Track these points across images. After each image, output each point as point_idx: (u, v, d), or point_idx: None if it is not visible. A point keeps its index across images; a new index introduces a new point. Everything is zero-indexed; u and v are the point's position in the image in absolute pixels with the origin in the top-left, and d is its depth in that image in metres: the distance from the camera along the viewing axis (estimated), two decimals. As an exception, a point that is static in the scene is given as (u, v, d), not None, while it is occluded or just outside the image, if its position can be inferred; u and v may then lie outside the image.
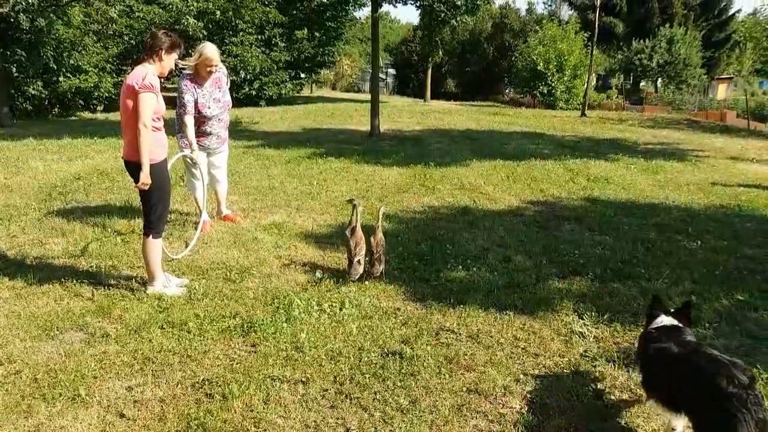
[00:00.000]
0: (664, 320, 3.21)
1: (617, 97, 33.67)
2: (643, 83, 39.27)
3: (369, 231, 5.29)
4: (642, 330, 3.41)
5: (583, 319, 4.37)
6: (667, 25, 35.16)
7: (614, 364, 3.72)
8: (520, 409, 3.28)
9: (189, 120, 6.12)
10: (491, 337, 4.09)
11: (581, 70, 29.62)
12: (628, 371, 3.64)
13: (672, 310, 3.31)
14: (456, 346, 3.96)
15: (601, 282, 5.14)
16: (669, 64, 34.18)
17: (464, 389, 3.45)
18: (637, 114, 26.66)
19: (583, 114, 24.10)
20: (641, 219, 7.28)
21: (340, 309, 4.48)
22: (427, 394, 3.40)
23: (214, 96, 6.29)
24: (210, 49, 6.05)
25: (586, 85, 26.60)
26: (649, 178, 10.08)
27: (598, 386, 3.49)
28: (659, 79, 36.79)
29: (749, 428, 2.38)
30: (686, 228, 6.82)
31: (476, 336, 4.09)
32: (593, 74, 30.00)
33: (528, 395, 3.40)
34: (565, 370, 3.66)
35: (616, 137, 16.23)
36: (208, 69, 6.09)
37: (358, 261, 5.06)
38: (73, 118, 19.95)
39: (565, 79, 29.83)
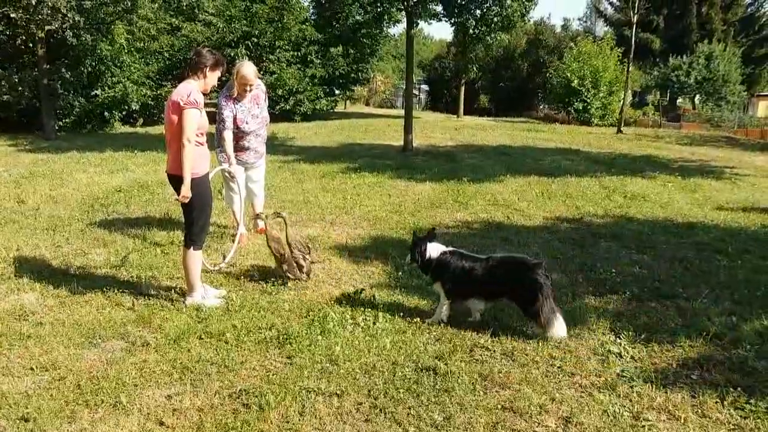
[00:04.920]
0: (438, 246, 4.62)
1: (654, 113, 33.19)
2: (680, 100, 38.64)
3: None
4: (420, 261, 4.60)
5: (620, 338, 4.32)
6: (706, 41, 34.61)
7: (652, 384, 3.65)
8: (556, 428, 3.26)
9: (228, 135, 6.26)
10: (526, 354, 4.07)
11: (617, 87, 29.31)
12: (666, 391, 3.58)
13: (425, 236, 4.69)
14: (490, 363, 3.95)
15: (638, 301, 5.07)
16: (707, 80, 33.60)
17: (499, 407, 3.43)
18: (675, 131, 26.25)
19: (619, 131, 23.81)
20: (679, 237, 7.16)
21: (374, 323, 4.50)
22: (462, 410, 3.39)
23: (252, 112, 6.42)
24: (246, 69, 6.16)
25: (622, 101, 26.29)
26: (687, 196, 9.91)
27: (636, 407, 3.44)
28: (697, 96, 36.15)
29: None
30: (726, 247, 6.68)
31: (511, 353, 4.08)
32: (629, 91, 29.63)
33: (564, 414, 3.37)
34: (601, 390, 3.62)
35: (653, 154, 16.00)
36: (244, 87, 6.21)
37: (303, 260, 5.37)
38: (114, 131, 20.50)
39: (601, 95, 29.55)
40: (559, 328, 4.21)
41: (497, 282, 4.37)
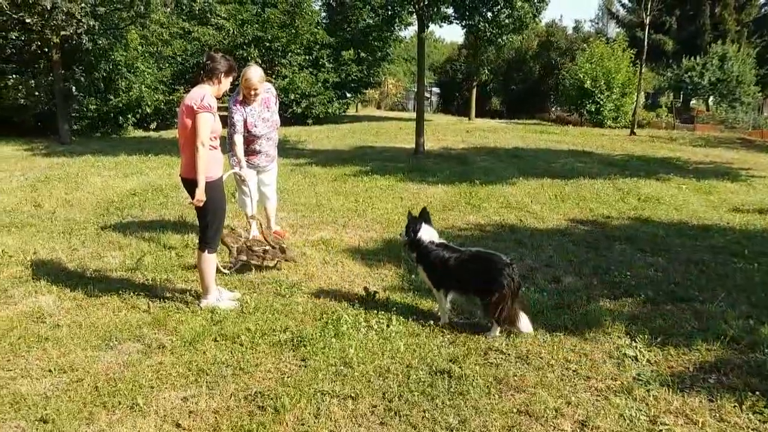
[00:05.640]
0: (432, 232, 4.73)
1: (667, 115, 32.95)
2: (693, 101, 38.32)
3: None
4: (410, 238, 4.73)
5: (635, 341, 4.29)
6: (719, 42, 34.31)
7: (668, 388, 3.63)
8: None
9: (238, 139, 6.30)
10: (541, 358, 4.05)
11: (630, 88, 29.11)
12: (683, 395, 3.56)
13: (418, 216, 4.79)
14: (505, 366, 3.94)
15: (654, 304, 5.04)
16: (721, 81, 33.27)
17: (514, 410, 3.42)
18: (688, 133, 26.04)
19: (632, 132, 23.67)
20: (694, 240, 7.11)
21: (387, 326, 4.51)
22: (477, 414, 3.39)
23: (262, 115, 6.44)
24: (249, 73, 6.13)
25: (635, 103, 26.14)
26: (701, 198, 9.83)
27: (652, 411, 3.41)
28: (711, 97, 35.83)
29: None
30: (742, 250, 6.62)
31: (526, 357, 4.06)
32: (642, 92, 29.38)
33: (579, 418, 3.35)
34: (617, 394, 3.60)
35: (667, 156, 15.89)
36: (249, 91, 6.22)
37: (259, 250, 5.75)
38: (128, 135, 20.67)
39: (614, 97, 29.36)
40: (524, 324, 4.34)
41: (465, 276, 4.46)
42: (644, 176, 11.81)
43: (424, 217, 4.81)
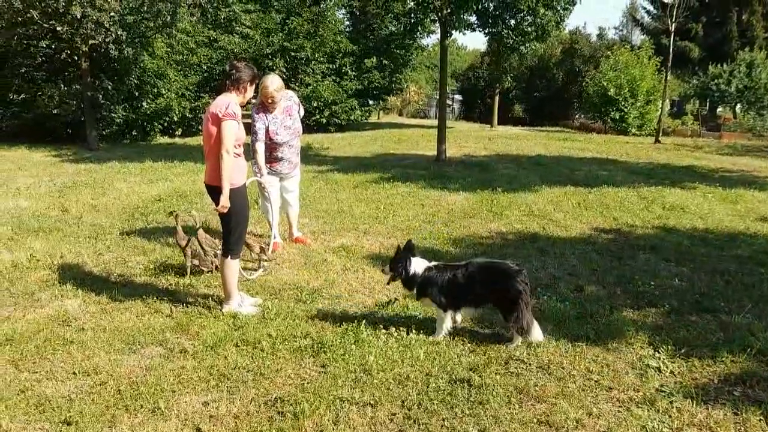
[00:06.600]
0: (422, 262, 4.59)
1: (693, 123, 32.50)
2: (720, 109, 37.75)
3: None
4: (403, 276, 4.57)
5: (658, 352, 4.23)
6: (747, 49, 33.79)
7: (692, 400, 3.57)
8: (593, 442, 3.21)
9: (260, 147, 6.38)
10: (563, 368, 4.01)
11: (655, 96, 28.78)
12: (707, 408, 3.50)
13: (404, 250, 4.60)
14: (526, 376, 3.91)
15: (678, 314, 4.96)
16: (749, 89, 32.72)
17: (535, 420, 3.40)
18: (715, 141, 25.62)
19: (657, 140, 23.36)
20: (720, 250, 6.99)
21: (407, 333, 4.50)
22: (497, 423, 3.37)
23: (284, 123, 6.51)
24: (267, 82, 6.23)
25: (660, 110, 25.81)
26: (728, 207, 9.66)
27: (675, 423, 3.36)
28: (738, 105, 35.26)
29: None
30: (769, 260, 6.50)
31: (547, 367, 4.03)
32: (667, 100, 29.03)
33: (601, 429, 3.32)
34: (639, 405, 3.55)
35: (693, 164, 15.65)
36: (266, 100, 6.29)
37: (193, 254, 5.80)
38: (154, 142, 20.97)
39: (638, 104, 29.05)
40: (536, 333, 4.34)
41: (479, 288, 4.42)
42: (669, 185, 11.65)
43: (410, 249, 4.63)
